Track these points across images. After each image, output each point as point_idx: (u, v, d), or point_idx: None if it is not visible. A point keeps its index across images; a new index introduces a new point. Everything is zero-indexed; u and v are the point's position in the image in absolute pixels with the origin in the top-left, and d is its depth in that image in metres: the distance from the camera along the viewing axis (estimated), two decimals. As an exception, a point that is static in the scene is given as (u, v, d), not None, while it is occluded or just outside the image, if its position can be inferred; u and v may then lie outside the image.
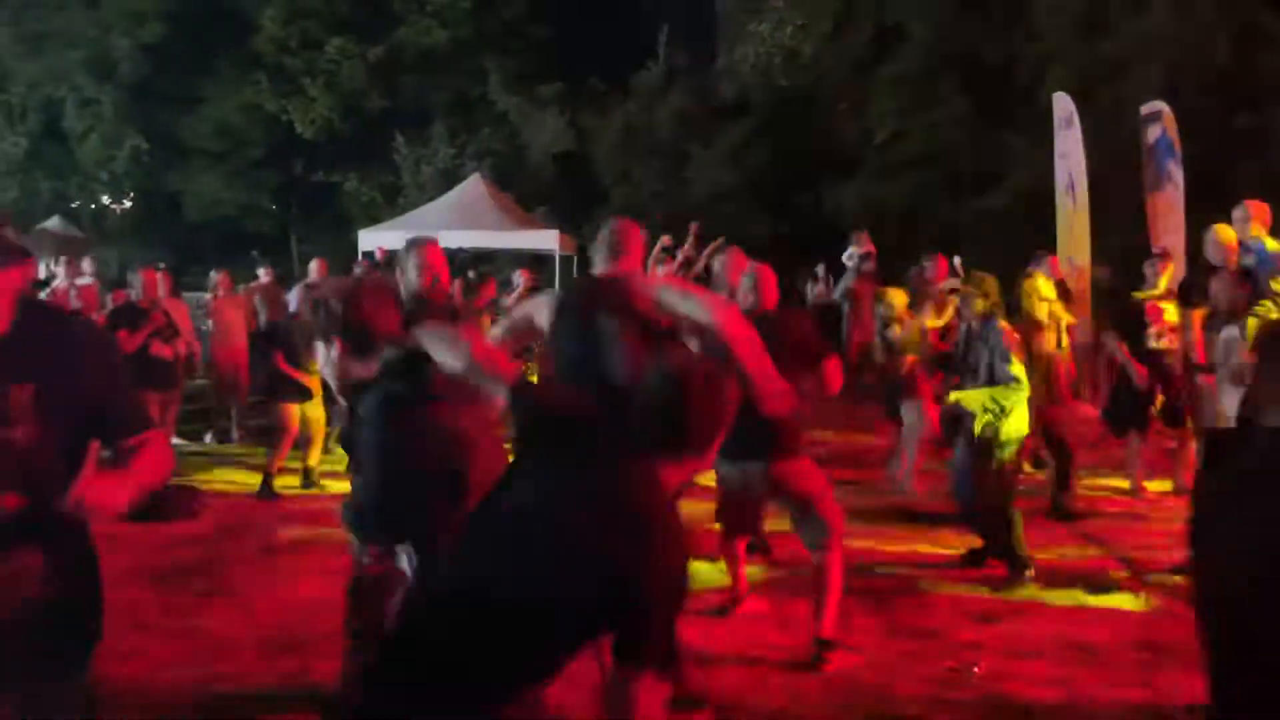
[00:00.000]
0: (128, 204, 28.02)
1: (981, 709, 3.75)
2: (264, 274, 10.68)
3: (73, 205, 25.71)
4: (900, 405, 7.12)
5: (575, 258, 17.12)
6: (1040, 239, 11.61)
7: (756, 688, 3.91)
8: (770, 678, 3.98)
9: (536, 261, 14.84)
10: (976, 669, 4.06)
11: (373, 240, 16.16)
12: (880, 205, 19.89)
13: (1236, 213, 6.21)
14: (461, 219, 15.38)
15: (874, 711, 3.71)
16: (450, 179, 20.09)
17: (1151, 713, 3.69)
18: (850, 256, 11.98)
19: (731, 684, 3.91)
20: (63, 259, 10.67)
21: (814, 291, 12.98)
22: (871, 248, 12.05)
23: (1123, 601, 4.88)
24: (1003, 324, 5.00)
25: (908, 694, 3.84)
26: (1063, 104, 11.09)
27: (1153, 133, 10.04)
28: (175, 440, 6.63)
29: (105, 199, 27.51)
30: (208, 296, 10.87)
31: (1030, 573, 5.03)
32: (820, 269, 13.17)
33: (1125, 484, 6.93)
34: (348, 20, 24.18)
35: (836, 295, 12.18)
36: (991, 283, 5.15)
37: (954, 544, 5.58)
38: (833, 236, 18.53)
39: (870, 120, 21.17)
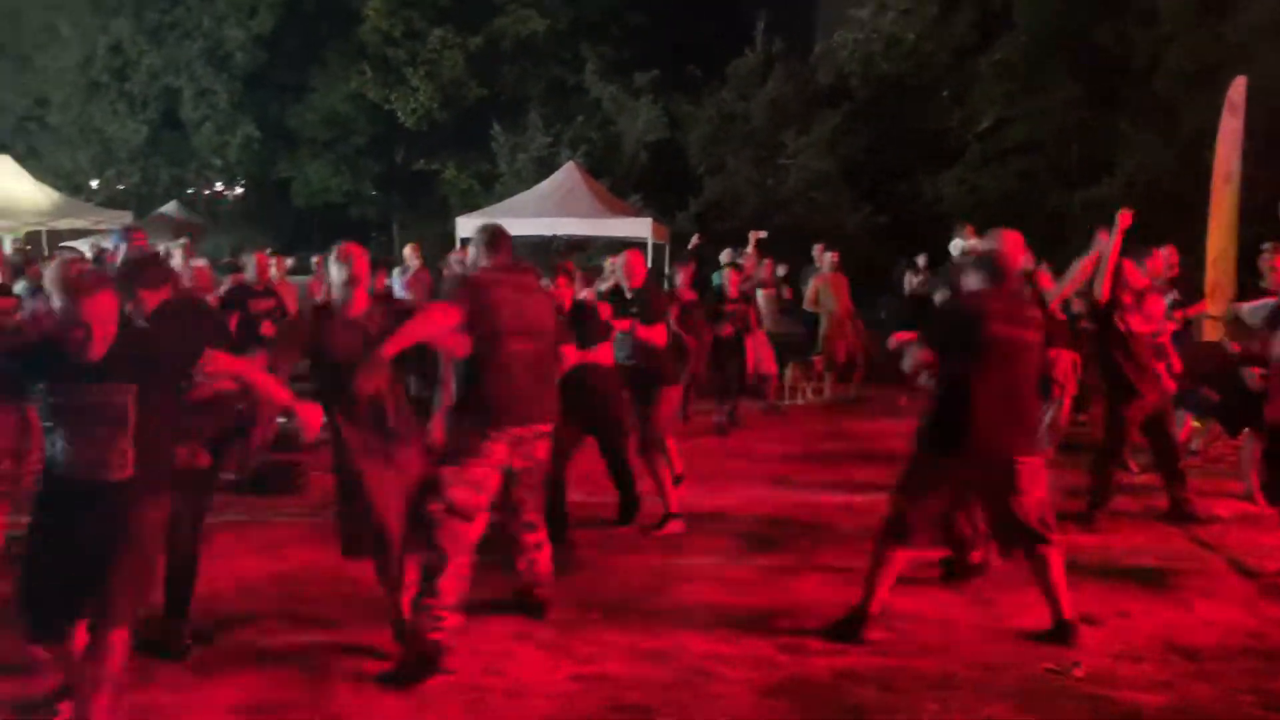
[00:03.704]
0: (240, 190, 29.15)
1: (1082, 711, 3.67)
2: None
3: (189, 191, 26.85)
4: None
5: (668, 246, 17.15)
6: (1153, 229, 11.14)
7: (849, 676, 3.92)
8: (864, 664, 3.98)
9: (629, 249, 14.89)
10: (1077, 671, 3.97)
11: (470, 226, 16.47)
12: (982, 194, 19.41)
13: None
14: (556, 206, 15.54)
15: (970, 708, 3.66)
16: (545, 167, 20.28)
17: (1263, 723, 3.56)
18: (956, 247, 11.67)
19: (822, 668, 3.92)
20: (180, 242, 11.11)
21: (913, 282, 12.70)
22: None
23: (1232, 607, 4.71)
24: None
25: (1004, 693, 3.79)
26: (1236, 89, 10.79)
27: None
28: (280, 419, 6.92)
29: (219, 185, 28.66)
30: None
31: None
32: (921, 259, 12.85)
33: (1240, 485, 6.66)
34: (448, 10, 24.61)
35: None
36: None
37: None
38: (932, 226, 18.17)
39: (973, 107, 20.66)
